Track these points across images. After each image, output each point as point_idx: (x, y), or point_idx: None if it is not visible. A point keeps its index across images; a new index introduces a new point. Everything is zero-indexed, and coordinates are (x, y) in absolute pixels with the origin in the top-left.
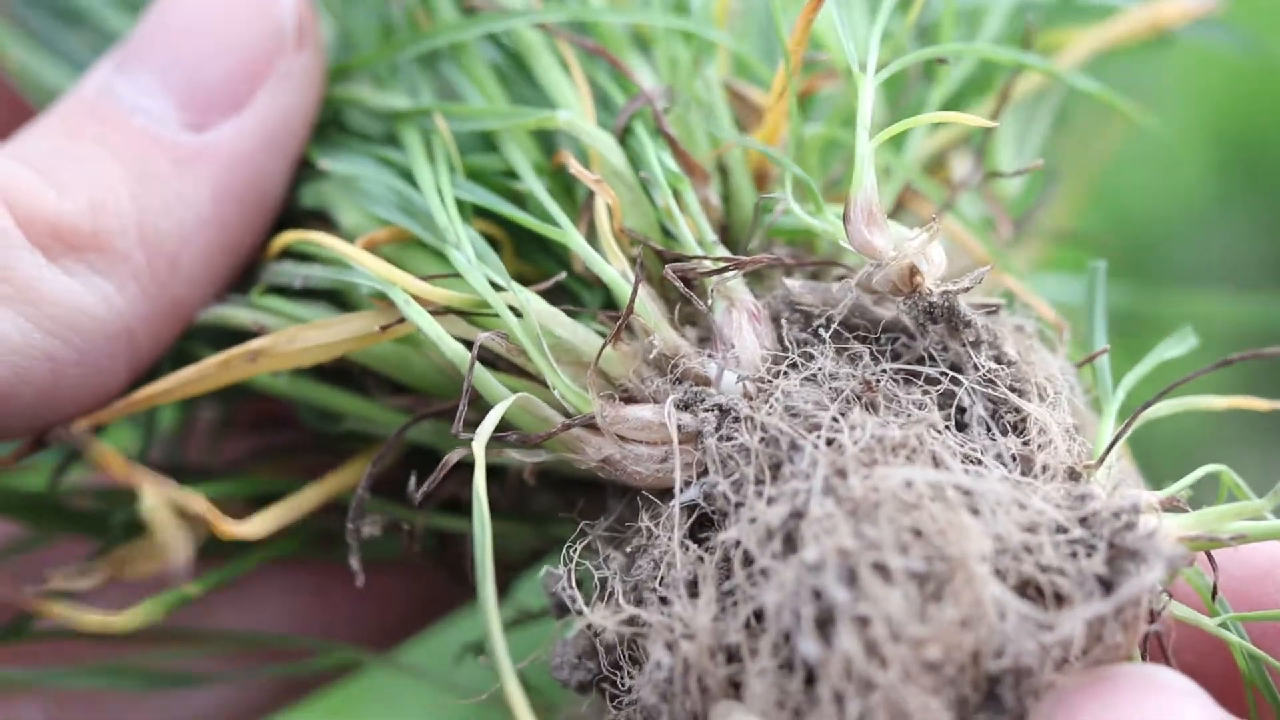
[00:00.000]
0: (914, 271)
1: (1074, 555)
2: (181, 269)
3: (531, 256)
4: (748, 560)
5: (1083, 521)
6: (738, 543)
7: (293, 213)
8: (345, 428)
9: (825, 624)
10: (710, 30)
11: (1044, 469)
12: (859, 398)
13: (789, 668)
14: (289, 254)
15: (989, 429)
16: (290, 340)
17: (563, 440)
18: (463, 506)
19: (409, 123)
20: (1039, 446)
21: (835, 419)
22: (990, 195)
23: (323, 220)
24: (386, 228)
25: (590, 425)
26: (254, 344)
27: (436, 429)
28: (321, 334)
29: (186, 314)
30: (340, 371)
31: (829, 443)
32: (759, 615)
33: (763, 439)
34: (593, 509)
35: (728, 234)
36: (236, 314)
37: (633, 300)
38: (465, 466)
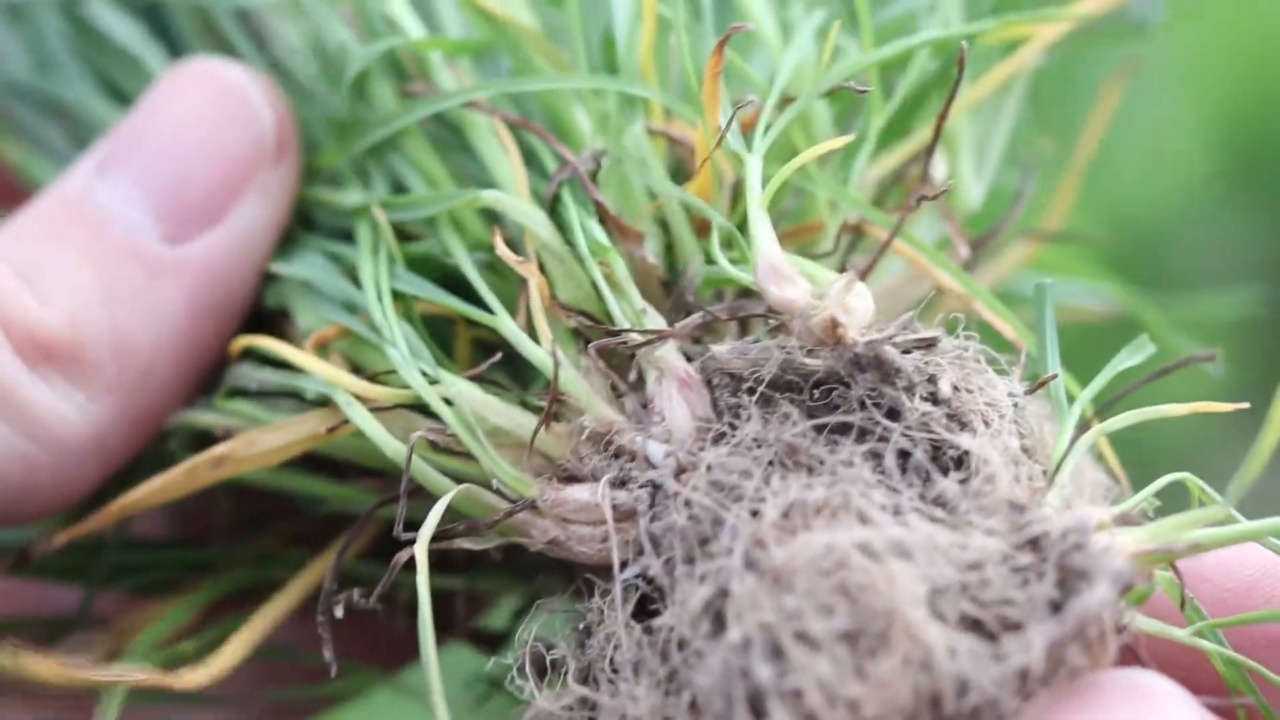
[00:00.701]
0: (835, 324)
1: (1025, 582)
2: (153, 379)
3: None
4: (682, 643)
5: (1032, 546)
6: (673, 626)
7: (259, 312)
8: (328, 509)
9: (759, 702)
10: (635, 84)
11: (986, 502)
12: (785, 462)
13: None
14: (250, 354)
15: (927, 471)
16: (250, 445)
17: (509, 525)
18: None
19: (362, 216)
20: (983, 479)
21: (759, 488)
22: (947, 212)
23: (286, 318)
24: (335, 326)
25: (533, 508)
26: (216, 451)
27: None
28: (276, 437)
29: (157, 420)
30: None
31: (753, 513)
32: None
33: (690, 516)
34: (555, 581)
35: (670, 290)
36: (202, 418)
37: (555, 383)
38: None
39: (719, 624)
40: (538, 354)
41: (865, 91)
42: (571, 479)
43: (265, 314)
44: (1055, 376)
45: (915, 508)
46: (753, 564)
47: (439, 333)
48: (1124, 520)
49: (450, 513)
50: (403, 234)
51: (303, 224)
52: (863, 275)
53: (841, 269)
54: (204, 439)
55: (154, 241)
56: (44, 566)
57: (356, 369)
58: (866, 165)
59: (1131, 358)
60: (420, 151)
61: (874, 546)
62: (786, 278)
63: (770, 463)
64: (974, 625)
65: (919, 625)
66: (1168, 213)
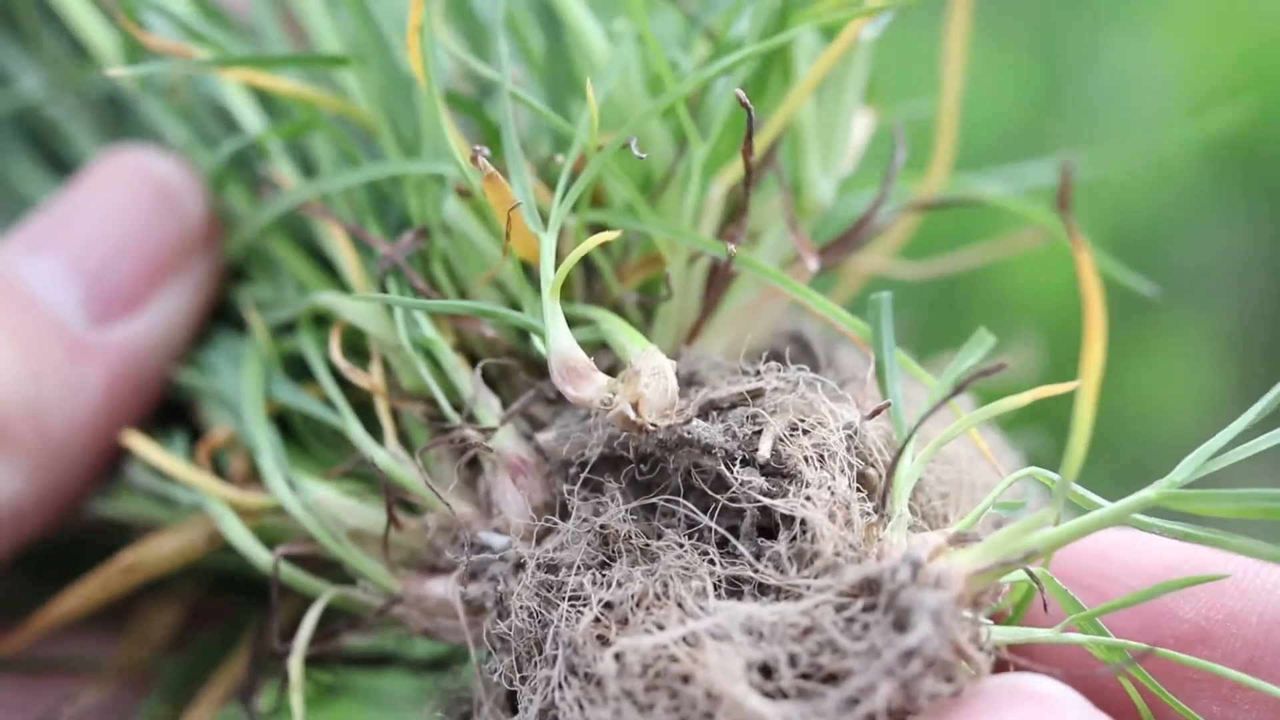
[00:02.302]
0: (630, 416)
1: (859, 633)
2: (70, 456)
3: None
4: None
5: (866, 591)
6: None
7: (176, 399)
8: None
9: None
10: (440, 164)
11: (813, 558)
12: (611, 550)
13: None
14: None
15: (752, 539)
16: (152, 551)
17: (391, 618)
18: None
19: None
20: (808, 537)
21: (582, 584)
22: (791, 222)
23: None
24: (225, 430)
25: (402, 601)
26: (124, 560)
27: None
28: (171, 544)
29: (72, 496)
30: None
31: (578, 613)
32: None
33: (525, 618)
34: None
35: (514, 367)
36: (107, 509)
37: (385, 484)
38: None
39: None
40: (380, 458)
41: (641, 156)
42: (433, 570)
43: (181, 401)
44: (888, 405)
45: (748, 578)
46: (573, 669)
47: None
48: (961, 539)
49: (336, 612)
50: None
51: (221, 313)
52: (707, 312)
53: (703, 311)
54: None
55: (78, 323)
56: None
57: (256, 472)
58: (702, 189)
59: (971, 356)
60: (283, 248)
61: (693, 635)
62: (580, 375)
63: (596, 553)
64: (810, 687)
65: (742, 701)
66: (1167, 213)
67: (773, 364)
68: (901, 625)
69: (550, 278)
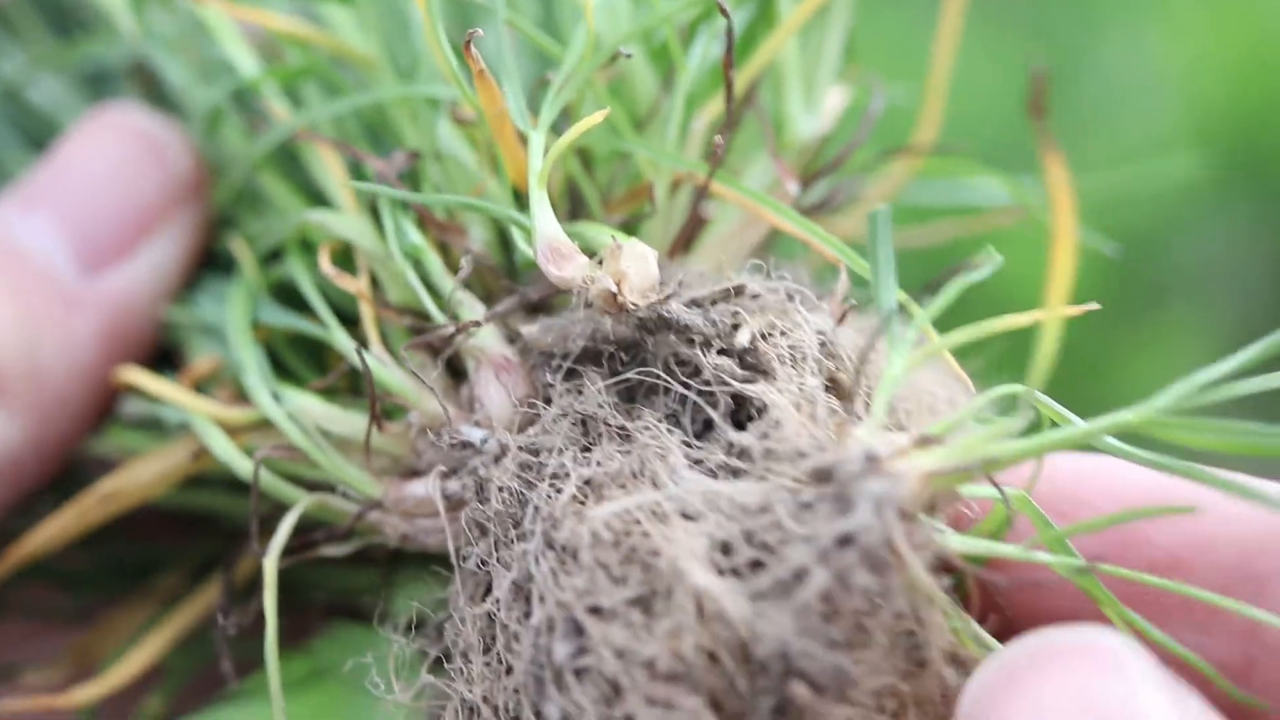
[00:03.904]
0: (612, 293)
1: (808, 519)
2: (67, 404)
3: None
4: (504, 626)
5: (820, 482)
6: (496, 610)
7: (166, 346)
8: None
9: (563, 680)
10: (435, 86)
11: (779, 447)
12: (591, 434)
13: None
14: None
15: (722, 426)
16: (131, 477)
17: (366, 526)
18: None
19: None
20: (775, 425)
21: (563, 465)
22: (773, 150)
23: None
24: (210, 358)
25: (381, 507)
26: (103, 488)
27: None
28: (153, 467)
29: (70, 445)
30: None
31: (557, 491)
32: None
33: (504, 500)
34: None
35: (498, 277)
36: (95, 447)
37: (370, 384)
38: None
39: (529, 605)
40: (370, 362)
41: (628, 56)
42: (413, 474)
43: (173, 349)
44: (849, 308)
45: (718, 463)
46: (550, 543)
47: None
48: (926, 442)
49: (313, 521)
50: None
51: (209, 261)
52: (690, 231)
53: (685, 230)
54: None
55: (70, 276)
56: None
57: (241, 396)
58: (685, 119)
59: (981, 271)
60: (273, 182)
61: (660, 509)
62: (564, 255)
63: (577, 437)
64: (762, 569)
65: (698, 578)
66: (1167, 213)
67: (755, 273)
68: (844, 513)
69: (536, 170)
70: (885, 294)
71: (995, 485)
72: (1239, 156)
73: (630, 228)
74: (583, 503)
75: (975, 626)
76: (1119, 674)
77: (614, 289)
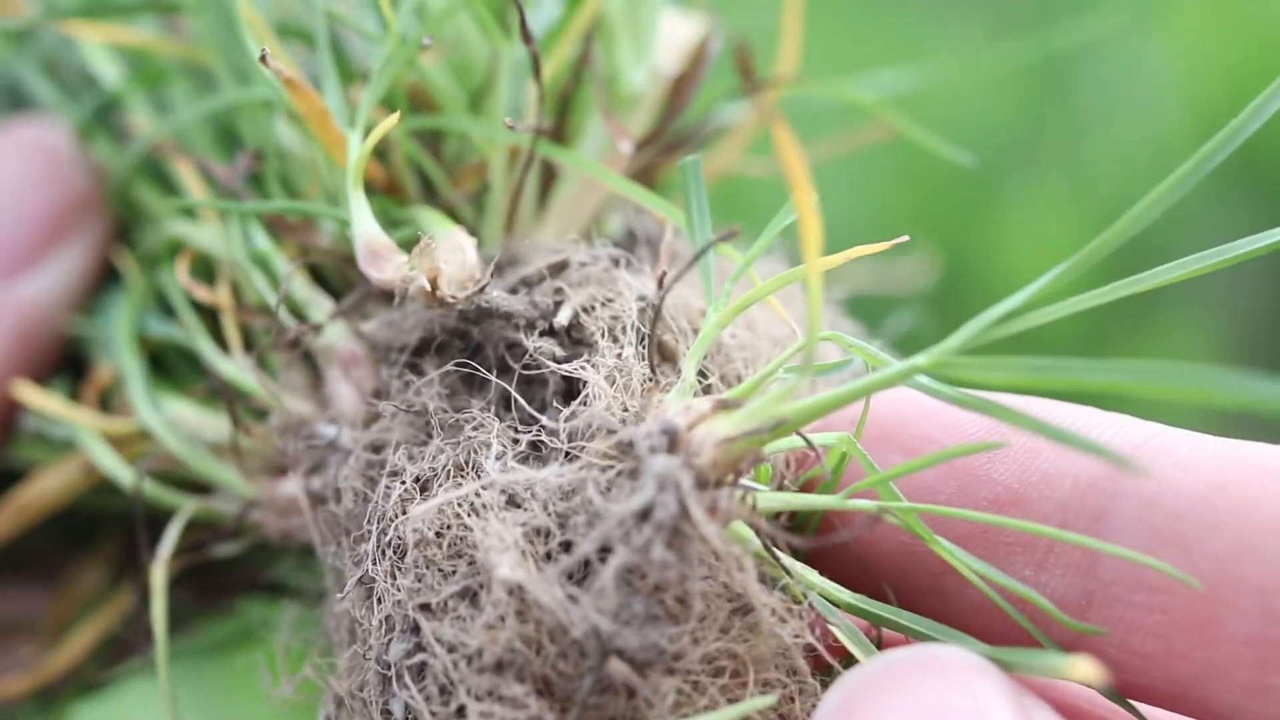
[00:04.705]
0: (430, 290)
1: (617, 493)
2: None
3: None
4: (358, 623)
5: (625, 455)
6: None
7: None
8: None
9: (404, 676)
10: (257, 89)
11: (592, 424)
12: (429, 427)
13: None
14: None
15: (549, 406)
16: (40, 491)
17: (251, 526)
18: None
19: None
20: (589, 401)
21: (400, 461)
22: (604, 109)
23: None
24: (108, 369)
25: (258, 506)
26: (18, 500)
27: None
28: (54, 478)
29: None
30: None
31: (400, 484)
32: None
33: (353, 497)
34: None
35: (352, 268)
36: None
37: (225, 389)
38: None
39: (372, 604)
40: (227, 369)
41: (427, 44)
42: (284, 472)
43: (80, 359)
44: (664, 274)
45: (546, 445)
46: (382, 544)
47: None
48: (726, 406)
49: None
50: None
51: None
52: (514, 200)
53: (518, 201)
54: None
55: None
56: None
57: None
58: (511, 88)
59: (790, 216)
60: (147, 193)
61: (479, 502)
62: (381, 257)
63: (416, 431)
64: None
65: (504, 571)
66: (1167, 213)
67: (580, 242)
68: (637, 489)
69: (351, 172)
70: (700, 241)
71: (804, 439)
72: (1239, 157)
73: (481, 200)
74: (412, 499)
75: (819, 579)
76: (963, 688)
77: (427, 286)
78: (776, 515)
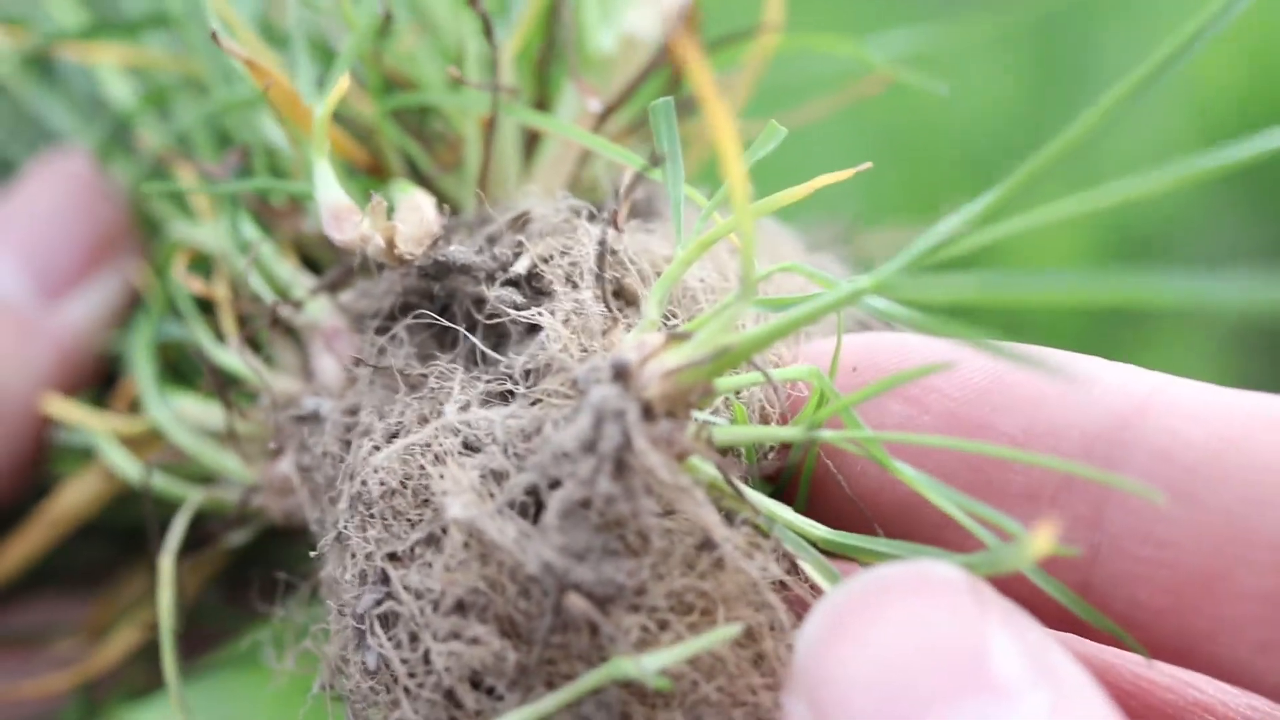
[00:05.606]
0: (389, 249)
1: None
2: (29, 427)
3: None
4: (336, 582)
5: (577, 390)
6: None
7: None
8: None
9: (375, 628)
10: (234, 85)
11: (551, 365)
12: (401, 385)
13: (371, 674)
14: None
15: (493, 355)
16: (65, 499)
17: (258, 510)
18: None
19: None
20: (546, 343)
21: (372, 420)
22: (573, 69)
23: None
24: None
25: (259, 490)
26: (50, 513)
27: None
28: (79, 488)
29: (32, 462)
30: None
31: (369, 442)
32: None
33: (330, 460)
34: None
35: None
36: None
37: (215, 374)
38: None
39: (347, 561)
40: (224, 359)
41: (380, 14)
42: (280, 454)
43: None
44: (616, 211)
45: (510, 394)
46: (355, 499)
47: None
48: (678, 339)
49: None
50: None
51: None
52: (482, 170)
53: (492, 164)
54: None
55: (29, 309)
56: None
57: None
58: (482, 55)
59: (768, 143)
60: (160, 204)
61: (439, 448)
62: (342, 218)
63: (388, 391)
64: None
65: (455, 511)
66: (1167, 212)
67: (540, 198)
68: (583, 422)
69: (317, 139)
70: (673, 187)
71: (759, 368)
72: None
73: (461, 171)
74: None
75: (792, 515)
76: (955, 609)
77: (383, 243)
78: (763, 458)
